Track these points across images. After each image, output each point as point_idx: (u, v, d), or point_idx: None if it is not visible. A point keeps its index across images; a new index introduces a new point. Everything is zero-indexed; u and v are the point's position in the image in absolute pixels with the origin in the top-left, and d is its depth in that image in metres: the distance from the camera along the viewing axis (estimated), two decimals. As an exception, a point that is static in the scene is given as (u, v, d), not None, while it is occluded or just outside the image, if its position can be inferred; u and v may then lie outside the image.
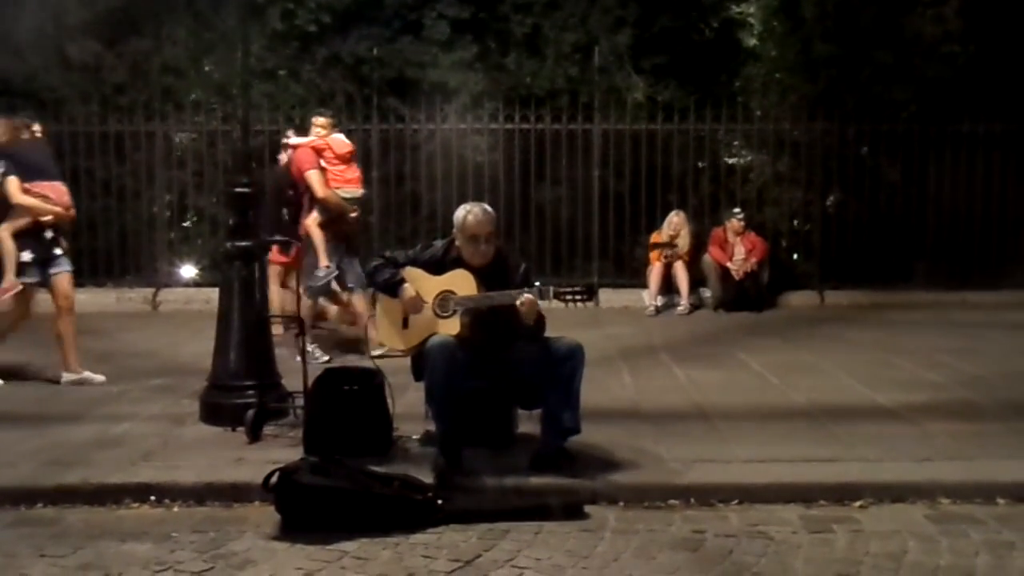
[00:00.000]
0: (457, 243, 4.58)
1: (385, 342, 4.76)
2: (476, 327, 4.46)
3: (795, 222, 10.71)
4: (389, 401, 4.74)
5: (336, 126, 7.47)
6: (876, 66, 10.38)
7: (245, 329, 5.21)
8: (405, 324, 4.62)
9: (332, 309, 7.89)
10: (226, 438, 4.93)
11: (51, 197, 6.22)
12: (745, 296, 9.65)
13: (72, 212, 6.49)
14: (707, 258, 9.83)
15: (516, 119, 10.10)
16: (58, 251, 6.30)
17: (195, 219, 10.53)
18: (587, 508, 4.09)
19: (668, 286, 9.81)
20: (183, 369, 6.46)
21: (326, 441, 4.49)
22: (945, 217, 10.21)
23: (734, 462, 4.52)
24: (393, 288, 4.56)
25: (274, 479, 3.95)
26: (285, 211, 7.21)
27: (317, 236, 6.86)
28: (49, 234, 6.23)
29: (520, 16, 10.68)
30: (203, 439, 4.94)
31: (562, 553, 3.67)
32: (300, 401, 4.94)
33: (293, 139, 7.39)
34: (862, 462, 4.51)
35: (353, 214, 7.12)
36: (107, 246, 10.20)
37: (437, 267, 4.59)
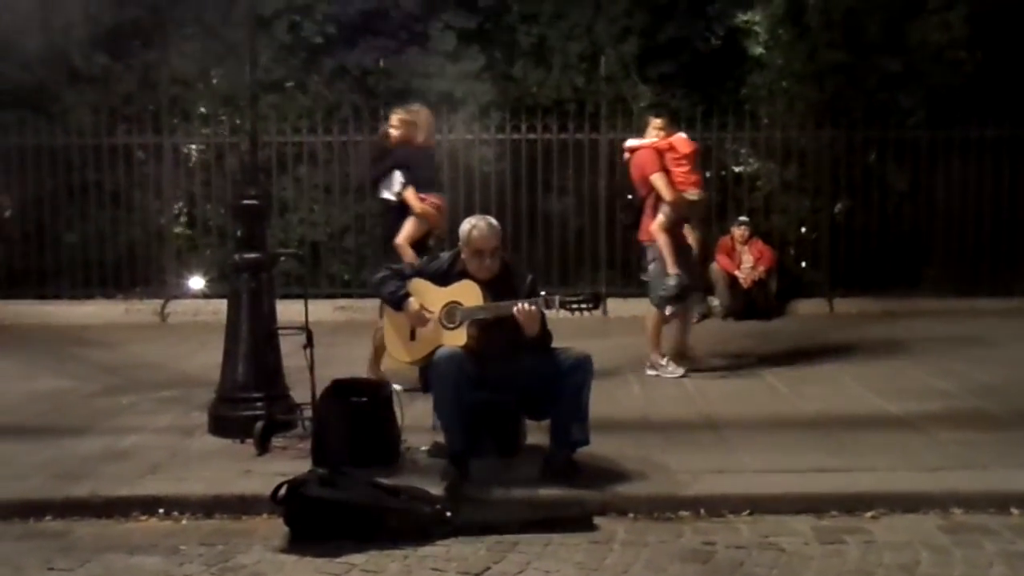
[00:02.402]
0: (463, 256, 4.58)
1: (393, 355, 4.74)
2: (483, 338, 4.45)
3: (803, 230, 10.67)
4: (398, 412, 4.73)
5: (674, 125, 7.16)
6: (883, 73, 10.35)
7: (253, 341, 5.21)
8: (412, 336, 4.62)
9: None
10: (234, 450, 4.92)
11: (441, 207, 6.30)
12: (753, 304, 9.61)
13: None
14: (715, 267, 9.80)
15: (523, 129, 10.09)
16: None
17: (202, 228, 10.55)
18: (596, 520, 4.07)
19: (676, 295, 9.76)
20: (191, 381, 6.46)
21: (334, 453, 4.48)
22: (954, 223, 10.16)
23: (744, 472, 4.49)
24: (398, 302, 4.57)
25: (282, 491, 3.95)
26: (621, 216, 7.04)
27: (664, 241, 6.58)
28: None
29: (526, 26, 10.70)
30: (211, 451, 4.93)
31: (571, 565, 3.66)
32: (308, 413, 4.94)
33: (632, 142, 7.03)
34: (874, 472, 4.48)
35: (699, 217, 6.83)
36: (116, 258, 10.22)
37: (443, 279, 4.59)
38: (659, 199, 6.63)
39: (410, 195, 6.13)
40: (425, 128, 6.37)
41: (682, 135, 6.91)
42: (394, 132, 6.31)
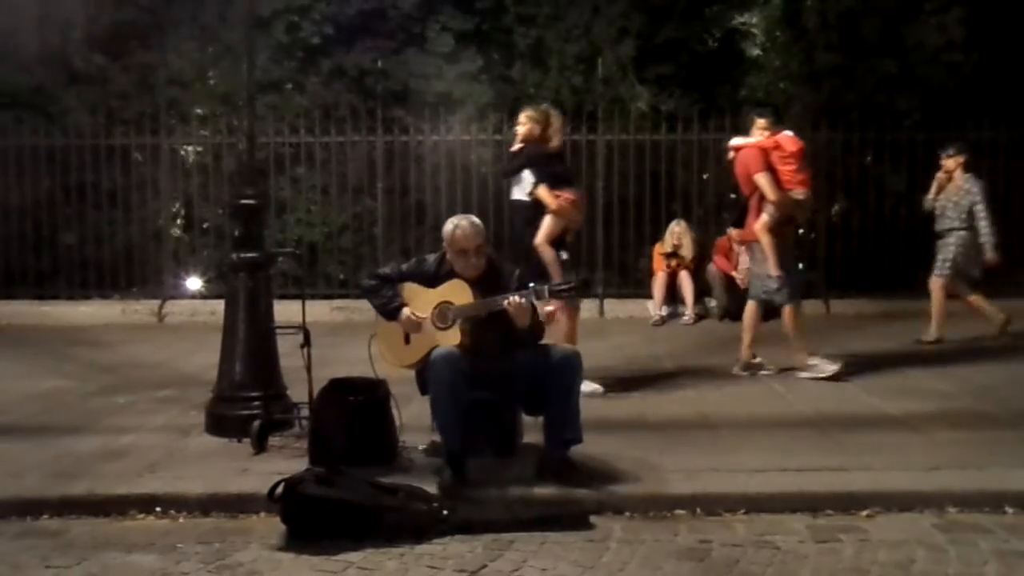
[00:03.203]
0: (448, 257, 4.59)
1: (388, 360, 4.75)
2: (476, 335, 4.47)
3: (800, 231, 10.69)
4: (395, 412, 4.74)
5: (778, 124, 6.92)
6: (880, 75, 10.38)
7: (250, 340, 5.22)
8: (407, 341, 4.63)
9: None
10: (231, 449, 4.93)
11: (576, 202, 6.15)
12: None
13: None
14: (712, 267, 9.82)
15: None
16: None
17: (199, 228, 10.56)
18: (592, 518, 4.08)
19: (673, 296, 9.80)
20: (188, 381, 6.46)
21: (331, 452, 4.49)
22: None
23: (740, 472, 4.50)
24: (392, 314, 4.58)
25: (279, 490, 3.95)
26: (725, 215, 6.83)
27: (767, 241, 6.48)
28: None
29: (524, 28, 10.72)
30: (208, 450, 4.94)
31: (567, 563, 3.66)
32: (305, 412, 4.94)
33: (736, 140, 6.89)
34: (869, 471, 4.49)
35: (805, 217, 6.66)
36: (113, 258, 10.22)
37: (432, 280, 4.61)
38: (763, 198, 6.51)
39: (543, 192, 5.98)
40: (553, 128, 6.17)
41: (788, 133, 6.76)
42: (519, 131, 6.17)
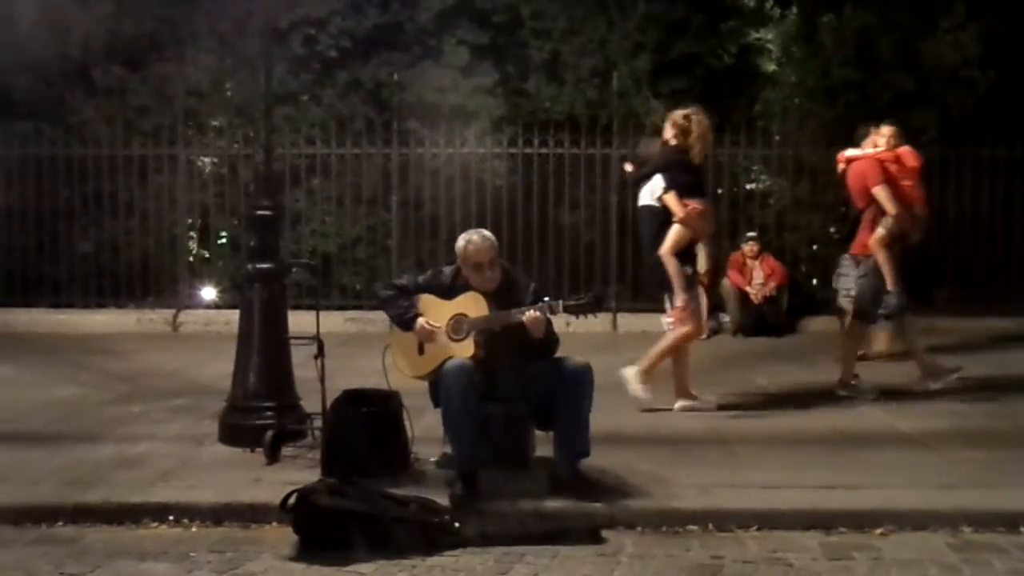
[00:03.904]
0: (464, 272, 4.61)
1: (402, 369, 4.76)
2: (491, 348, 4.47)
3: (814, 247, 10.66)
4: (407, 423, 4.75)
5: (902, 136, 6.69)
6: (895, 91, 10.35)
7: (265, 351, 5.24)
8: (421, 351, 4.64)
9: (882, 337, 7.45)
10: (244, 459, 4.95)
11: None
12: (764, 321, 9.61)
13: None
14: (726, 283, 9.80)
15: (535, 143, 10.14)
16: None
17: (221, 241, 10.61)
18: (604, 533, 4.07)
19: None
20: (202, 390, 6.49)
21: (344, 463, 4.50)
22: (966, 243, 10.14)
23: (753, 488, 4.49)
24: (408, 324, 4.59)
25: (292, 500, 3.96)
26: (833, 229, 6.70)
27: (884, 257, 6.29)
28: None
29: (539, 41, 10.75)
30: (222, 460, 4.96)
31: (579, 577, 3.66)
32: (318, 423, 4.96)
33: (850, 152, 6.70)
34: (883, 489, 4.47)
35: (919, 235, 6.58)
36: (129, 268, 10.29)
37: (447, 293, 4.62)
38: (879, 212, 6.33)
39: (671, 200, 5.84)
40: (695, 136, 5.97)
41: (908, 148, 6.59)
42: (666, 134, 6.04)
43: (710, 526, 4.16)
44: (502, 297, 4.54)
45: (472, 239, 4.58)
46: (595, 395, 4.47)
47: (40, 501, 4.34)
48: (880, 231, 6.35)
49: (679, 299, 5.90)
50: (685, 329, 5.99)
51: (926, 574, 3.70)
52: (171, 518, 4.24)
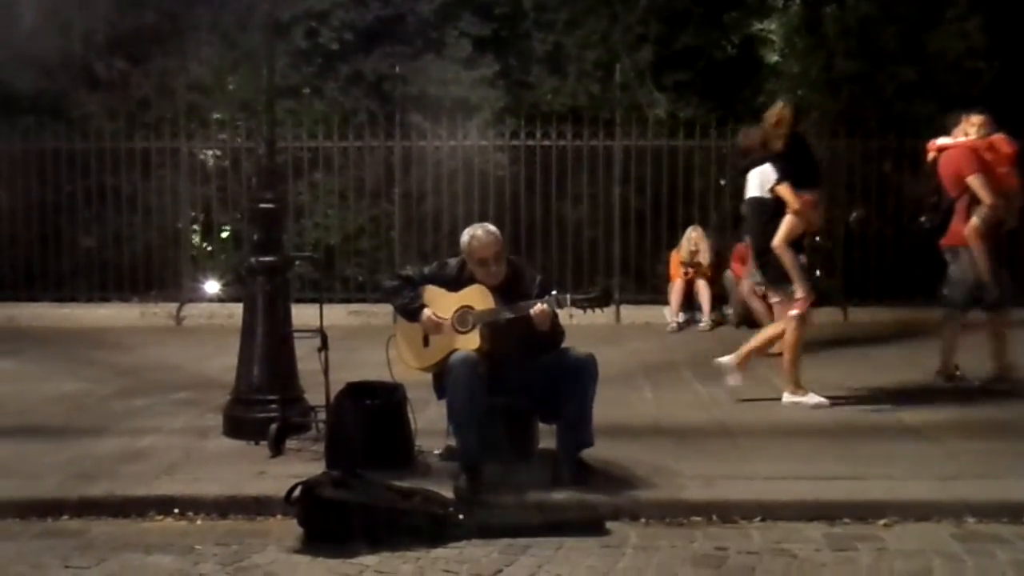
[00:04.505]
0: (469, 266, 4.61)
1: (406, 361, 4.77)
2: (496, 341, 4.47)
3: (817, 239, 10.63)
4: (411, 416, 4.76)
5: (993, 123, 6.44)
6: (899, 82, 10.33)
7: (269, 344, 5.25)
8: (426, 343, 4.64)
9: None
10: (249, 452, 4.96)
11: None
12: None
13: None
14: (729, 274, 9.79)
15: (537, 136, 10.13)
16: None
17: (224, 235, 10.61)
18: (608, 524, 4.08)
19: (690, 302, 9.77)
20: (206, 383, 6.50)
21: (348, 455, 4.50)
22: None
23: (756, 479, 4.49)
24: (414, 314, 4.59)
25: (297, 493, 3.97)
26: (924, 219, 6.53)
27: (979, 248, 6.16)
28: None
29: (542, 33, 10.73)
30: (226, 453, 4.97)
31: (583, 569, 3.67)
32: (323, 415, 4.97)
33: (941, 140, 6.54)
34: (886, 480, 4.47)
35: (1013, 221, 6.41)
36: (132, 261, 10.30)
37: (453, 285, 4.62)
38: (973, 201, 6.20)
39: (785, 191, 5.77)
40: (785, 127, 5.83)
41: (1002, 135, 6.40)
42: (767, 123, 5.93)
43: (714, 517, 4.17)
44: (508, 290, 4.54)
45: (476, 234, 4.57)
46: (598, 387, 4.47)
47: (45, 494, 4.35)
48: (975, 220, 6.20)
49: (799, 290, 5.86)
50: (795, 321, 5.93)
51: (929, 565, 3.71)
52: (176, 511, 4.26)
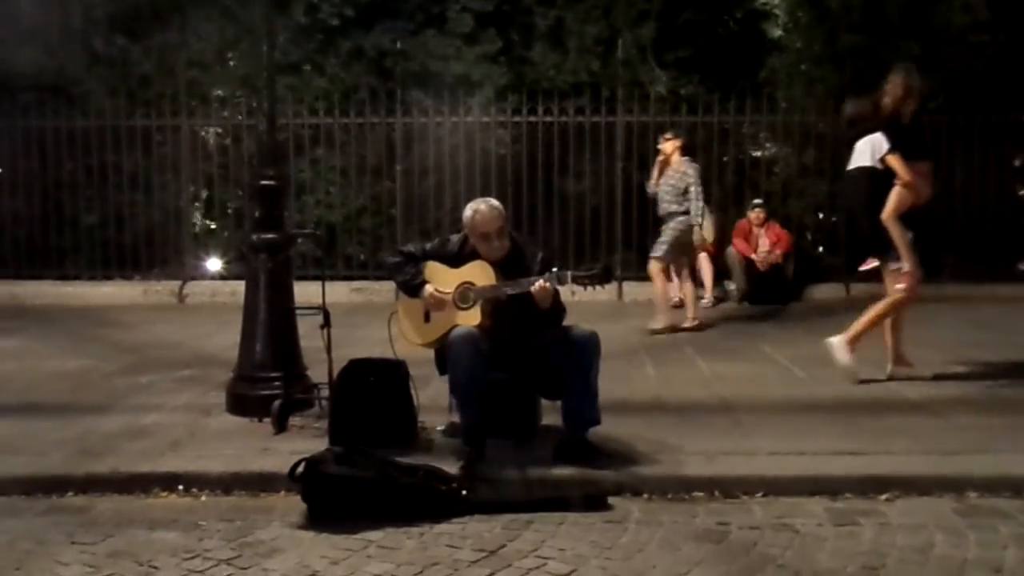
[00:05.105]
0: (471, 241, 4.60)
1: (408, 337, 4.78)
2: (497, 317, 4.47)
3: (820, 215, 10.63)
4: (413, 392, 4.77)
5: None
6: (903, 57, 10.24)
7: (271, 321, 5.25)
8: (427, 318, 4.65)
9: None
10: (252, 429, 4.97)
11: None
12: (770, 288, 9.60)
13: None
14: (731, 250, 9.79)
15: (539, 112, 10.09)
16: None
17: (227, 212, 10.60)
18: (611, 500, 4.09)
19: (692, 278, 9.77)
20: (209, 361, 6.51)
21: (351, 432, 4.52)
22: (974, 209, 10.09)
23: (759, 455, 4.50)
24: (415, 290, 4.60)
25: (300, 469, 3.98)
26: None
27: None
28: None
29: (543, 9, 10.67)
30: (230, 430, 4.98)
31: (586, 544, 3.68)
32: (325, 392, 4.98)
33: None
34: (888, 455, 4.48)
35: None
36: (134, 239, 10.30)
37: (455, 261, 4.62)
38: None
39: (895, 162, 5.67)
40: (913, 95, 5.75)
41: None
42: (887, 98, 5.85)
43: (716, 493, 4.17)
44: (510, 266, 4.54)
45: (479, 208, 4.56)
46: (601, 363, 4.48)
47: (50, 471, 4.36)
48: None
49: (906, 264, 5.76)
50: (901, 295, 5.84)
51: (931, 539, 3.72)
52: (180, 487, 4.27)
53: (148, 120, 10.23)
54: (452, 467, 4.26)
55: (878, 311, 5.97)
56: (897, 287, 5.85)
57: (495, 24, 10.60)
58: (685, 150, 8.07)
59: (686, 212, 7.86)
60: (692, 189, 7.83)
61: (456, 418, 4.59)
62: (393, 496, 3.93)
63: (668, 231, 7.93)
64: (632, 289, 9.88)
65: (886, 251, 5.85)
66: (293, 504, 4.01)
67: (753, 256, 9.71)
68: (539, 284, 4.32)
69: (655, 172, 8.17)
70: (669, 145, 8.06)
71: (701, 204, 7.88)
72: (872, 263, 5.72)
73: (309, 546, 3.69)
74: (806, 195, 10.46)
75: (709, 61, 10.66)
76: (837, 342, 5.94)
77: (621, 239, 10.16)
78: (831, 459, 4.45)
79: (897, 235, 5.70)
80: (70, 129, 10.24)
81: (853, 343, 5.92)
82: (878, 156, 5.79)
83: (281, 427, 4.91)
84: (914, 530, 3.80)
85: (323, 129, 10.24)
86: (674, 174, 7.95)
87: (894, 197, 5.69)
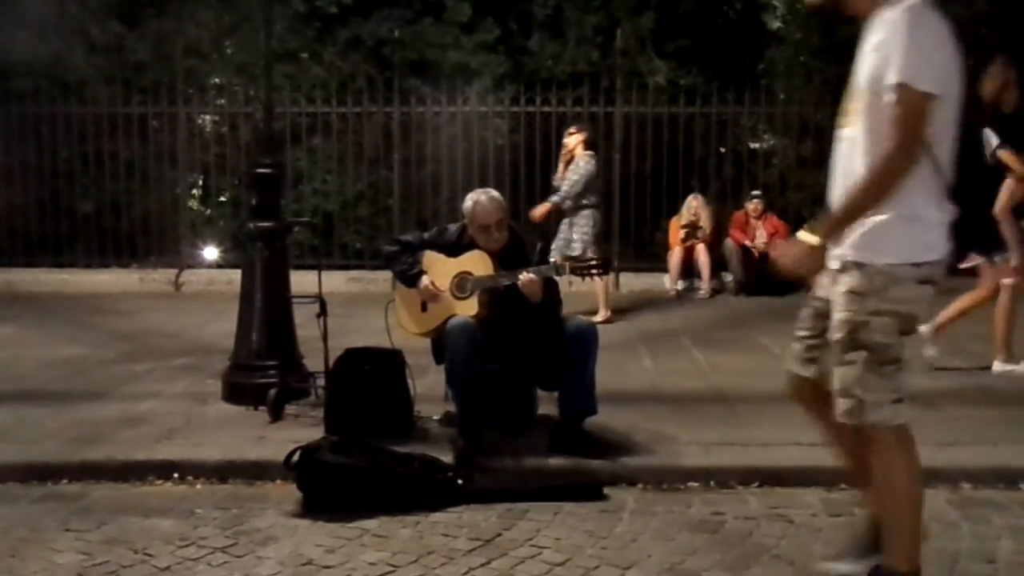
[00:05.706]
0: (470, 232, 4.59)
1: (405, 326, 4.77)
2: (494, 307, 4.47)
3: (818, 206, 10.63)
4: (409, 382, 4.76)
5: None
6: (902, 49, 10.27)
7: (267, 309, 5.25)
8: (424, 308, 4.64)
9: None
10: (248, 417, 4.97)
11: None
12: (767, 280, 9.60)
13: None
14: (729, 242, 9.79)
15: (537, 102, 10.07)
16: None
17: (223, 200, 10.59)
18: (606, 490, 4.09)
19: (689, 270, 9.78)
20: (206, 349, 6.51)
21: (347, 421, 4.52)
22: (971, 200, 10.08)
23: (754, 445, 4.51)
24: (412, 280, 4.59)
25: (296, 457, 3.98)
26: None
27: None
28: None
29: (542, -2, 10.65)
30: (225, 418, 4.98)
31: (581, 533, 3.69)
32: (321, 381, 4.97)
33: None
34: (883, 446, 4.48)
35: None
36: (130, 228, 10.28)
37: (453, 250, 4.61)
38: None
39: (1008, 156, 5.50)
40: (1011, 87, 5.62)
41: None
42: (988, 89, 5.69)
43: (712, 483, 4.18)
44: (508, 256, 4.53)
45: (480, 200, 4.55)
46: (598, 354, 4.48)
47: (46, 458, 4.36)
48: None
49: (1014, 258, 5.70)
50: (1009, 290, 5.80)
51: (926, 531, 3.72)
52: (176, 475, 4.27)
53: (145, 108, 10.21)
54: (448, 456, 4.26)
55: (965, 305, 5.96)
56: (1004, 282, 5.81)
57: (493, 13, 10.58)
58: (588, 144, 7.96)
59: (593, 206, 7.79)
60: (571, 178, 7.73)
61: (452, 408, 4.59)
62: (389, 485, 3.94)
63: (578, 228, 7.76)
64: (629, 280, 9.89)
65: (993, 247, 5.64)
66: (288, 492, 4.01)
67: (748, 243, 9.72)
68: (524, 276, 4.31)
69: (560, 166, 8.04)
70: (573, 139, 7.94)
71: (567, 191, 7.74)
72: (976, 260, 5.64)
73: (304, 534, 3.69)
74: (804, 187, 10.45)
75: (708, 52, 10.64)
76: (924, 332, 5.86)
77: (618, 230, 10.15)
78: (826, 450, 4.44)
79: (1011, 233, 5.60)
80: (67, 116, 10.21)
81: (941, 331, 5.94)
82: (988, 151, 5.60)
83: (277, 416, 4.91)
84: (908, 521, 3.80)
85: (320, 118, 10.21)
86: (576, 169, 7.83)
87: (1005, 191, 5.56)
